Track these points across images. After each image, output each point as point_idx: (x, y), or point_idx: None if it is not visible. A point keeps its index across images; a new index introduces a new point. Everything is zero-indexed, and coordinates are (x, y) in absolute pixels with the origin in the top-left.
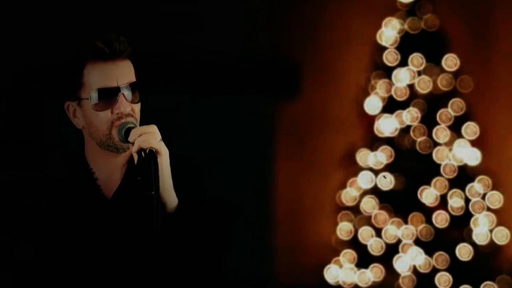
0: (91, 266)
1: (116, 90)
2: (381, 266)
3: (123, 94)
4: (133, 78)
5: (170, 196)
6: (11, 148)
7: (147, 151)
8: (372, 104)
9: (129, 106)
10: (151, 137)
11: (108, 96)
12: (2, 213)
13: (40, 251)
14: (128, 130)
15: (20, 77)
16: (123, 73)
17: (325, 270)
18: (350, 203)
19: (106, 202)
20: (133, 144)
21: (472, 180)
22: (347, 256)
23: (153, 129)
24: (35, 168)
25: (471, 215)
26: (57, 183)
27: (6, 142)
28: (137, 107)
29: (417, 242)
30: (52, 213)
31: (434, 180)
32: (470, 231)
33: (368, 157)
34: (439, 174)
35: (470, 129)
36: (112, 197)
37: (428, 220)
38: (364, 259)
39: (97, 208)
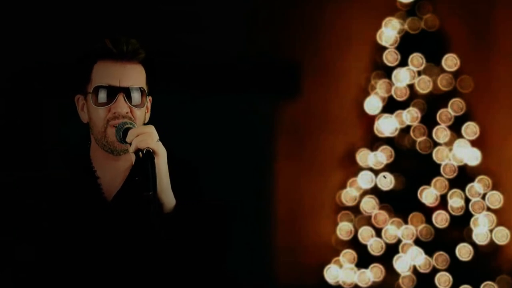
0: (90, 266)
1: (116, 90)
2: (381, 266)
3: (123, 95)
4: (140, 83)
5: (167, 197)
6: (11, 148)
7: (144, 152)
8: (372, 104)
9: (127, 108)
10: (148, 137)
11: (108, 94)
12: (2, 213)
13: (41, 251)
14: (126, 131)
15: (20, 77)
16: (128, 75)
17: (325, 270)
18: (350, 203)
19: (105, 204)
20: (130, 144)
21: (472, 180)
22: (347, 256)
23: (150, 129)
24: (35, 168)
25: (471, 215)
26: (57, 183)
27: (6, 142)
28: (139, 112)
29: (417, 242)
30: (52, 213)
31: (434, 180)
32: (470, 231)
33: (368, 157)
34: (439, 174)
35: (470, 129)
36: (112, 200)
37: (428, 220)
38: (364, 259)
39: (96, 209)
